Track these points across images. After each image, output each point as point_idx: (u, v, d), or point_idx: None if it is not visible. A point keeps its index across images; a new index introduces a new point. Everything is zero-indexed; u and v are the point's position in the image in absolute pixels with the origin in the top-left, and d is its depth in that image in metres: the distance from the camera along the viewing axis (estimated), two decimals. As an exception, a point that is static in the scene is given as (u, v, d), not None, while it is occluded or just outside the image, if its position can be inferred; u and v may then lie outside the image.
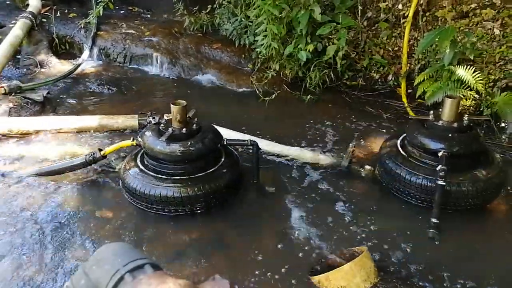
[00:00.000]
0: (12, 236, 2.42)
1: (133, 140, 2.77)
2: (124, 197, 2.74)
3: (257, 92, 4.40)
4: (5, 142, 3.44)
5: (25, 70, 4.86)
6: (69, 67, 4.87)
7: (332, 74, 4.52)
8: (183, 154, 2.55)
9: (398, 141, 2.99)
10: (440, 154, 2.61)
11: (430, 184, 2.63)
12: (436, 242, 2.45)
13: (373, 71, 4.66)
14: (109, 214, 2.64)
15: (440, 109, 2.82)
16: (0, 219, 2.56)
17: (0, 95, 3.95)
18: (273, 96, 4.28)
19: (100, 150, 2.81)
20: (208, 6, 5.20)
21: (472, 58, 3.88)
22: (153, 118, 2.87)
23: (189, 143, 2.59)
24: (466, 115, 2.76)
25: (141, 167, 2.70)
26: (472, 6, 4.24)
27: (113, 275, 0.98)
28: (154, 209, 2.60)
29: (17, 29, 4.88)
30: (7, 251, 2.31)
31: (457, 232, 2.58)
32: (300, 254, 2.39)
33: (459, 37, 4.03)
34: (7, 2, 5.96)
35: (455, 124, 2.73)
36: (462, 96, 3.88)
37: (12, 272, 2.17)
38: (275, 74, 4.57)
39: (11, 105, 3.88)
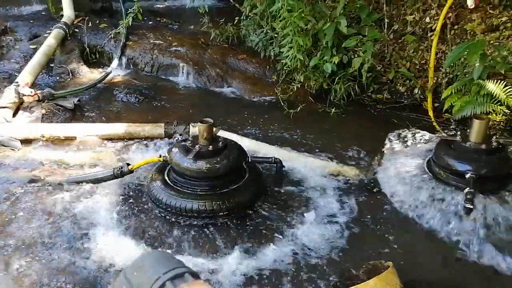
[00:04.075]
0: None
1: (160, 156, 2.85)
2: (150, 206, 2.83)
3: (282, 103, 4.42)
4: (37, 147, 3.56)
5: (57, 78, 5.03)
6: (99, 75, 5.01)
7: (357, 87, 4.49)
8: (209, 171, 2.62)
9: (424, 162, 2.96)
10: (467, 176, 2.57)
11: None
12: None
13: (399, 84, 4.60)
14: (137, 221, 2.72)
15: (468, 129, 2.78)
16: (29, 226, 2.66)
17: (34, 102, 4.11)
18: (298, 108, 4.29)
19: (128, 164, 2.89)
20: (235, 18, 5.25)
21: (503, 72, 3.77)
22: (180, 135, 2.93)
23: (215, 161, 2.65)
24: (495, 137, 2.71)
25: (167, 180, 2.79)
26: (503, 19, 4.13)
27: (154, 282, 0.99)
28: (179, 219, 2.68)
29: (51, 38, 5.08)
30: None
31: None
32: (321, 268, 2.39)
33: (489, 51, 3.94)
34: (43, 13, 6.22)
35: (484, 146, 2.68)
36: (492, 111, 3.79)
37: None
38: (299, 86, 4.58)
39: (43, 111, 4.03)
